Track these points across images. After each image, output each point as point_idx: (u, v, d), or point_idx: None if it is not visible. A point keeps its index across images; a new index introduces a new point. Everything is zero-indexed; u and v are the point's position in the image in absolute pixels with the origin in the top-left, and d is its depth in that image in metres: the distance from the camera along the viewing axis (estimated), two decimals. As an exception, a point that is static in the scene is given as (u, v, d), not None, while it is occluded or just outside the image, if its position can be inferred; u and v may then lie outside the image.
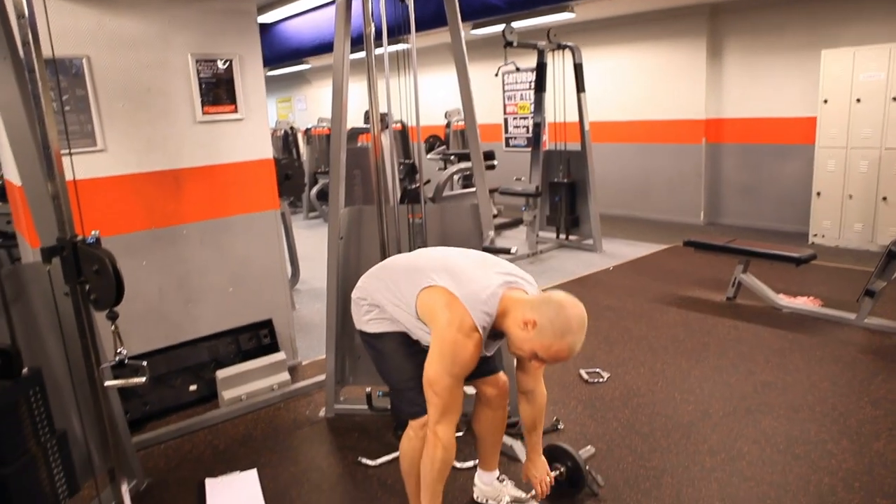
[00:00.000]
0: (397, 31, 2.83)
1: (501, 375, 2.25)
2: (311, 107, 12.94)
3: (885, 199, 5.74)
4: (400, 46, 3.15)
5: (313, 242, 7.29)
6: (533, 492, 2.31)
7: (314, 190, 8.78)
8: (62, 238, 1.93)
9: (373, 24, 2.74)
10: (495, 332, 1.92)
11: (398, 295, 2.01)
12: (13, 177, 2.89)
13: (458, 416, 1.91)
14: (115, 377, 2.23)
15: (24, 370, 2.05)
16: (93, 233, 2.03)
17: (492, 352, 2.07)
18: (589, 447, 2.56)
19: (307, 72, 12.21)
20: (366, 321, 2.11)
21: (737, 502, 2.39)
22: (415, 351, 2.01)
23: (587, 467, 2.42)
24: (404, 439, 2.10)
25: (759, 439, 2.82)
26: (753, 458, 2.68)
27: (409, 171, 6.60)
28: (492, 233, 2.86)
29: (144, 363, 2.02)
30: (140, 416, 3.17)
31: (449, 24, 2.76)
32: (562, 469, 2.43)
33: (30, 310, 2.24)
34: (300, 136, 10.07)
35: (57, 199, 1.93)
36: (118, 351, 2.04)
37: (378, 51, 2.86)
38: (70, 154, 2.38)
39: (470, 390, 2.80)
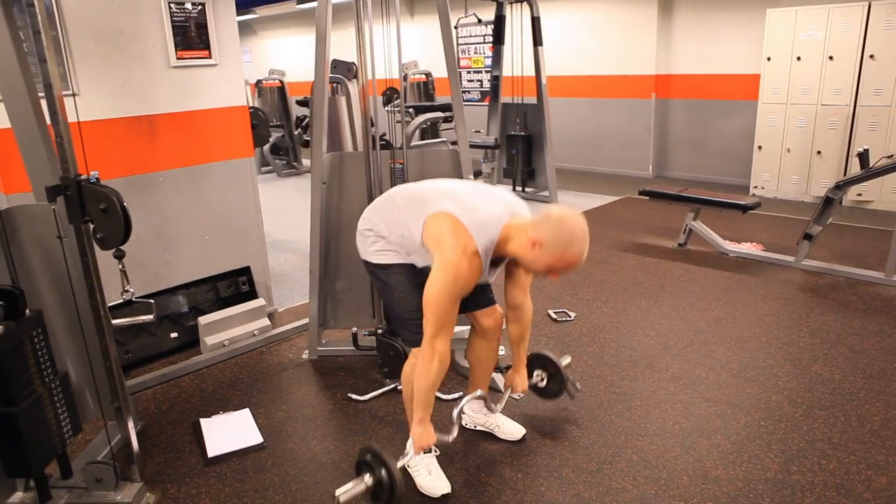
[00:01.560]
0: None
1: (497, 307, 2.40)
2: (256, 58, 12.54)
3: (819, 152, 6.15)
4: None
5: (269, 197, 7.23)
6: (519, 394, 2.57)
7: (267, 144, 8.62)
8: (66, 177, 1.93)
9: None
10: (496, 259, 2.05)
11: (403, 224, 2.09)
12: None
13: (452, 330, 2.03)
14: (115, 317, 2.27)
15: (27, 312, 2.07)
16: (92, 173, 2.04)
17: (492, 277, 2.18)
18: (566, 356, 2.73)
19: (253, 21, 11.80)
20: (372, 252, 2.19)
21: (699, 419, 2.65)
22: (420, 282, 2.10)
23: (566, 373, 2.62)
24: (407, 366, 2.23)
25: (715, 366, 3.10)
26: (711, 382, 2.95)
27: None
28: (471, 176, 2.98)
29: (153, 301, 2.07)
30: (123, 364, 3.18)
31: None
32: (543, 375, 2.63)
33: (22, 253, 2.23)
34: (248, 89, 9.80)
35: (60, 139, 1.92)
36: (125, 289, 2.09)
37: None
38: (74, 97, 2.34)
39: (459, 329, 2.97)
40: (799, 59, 6.11)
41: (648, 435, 2.55)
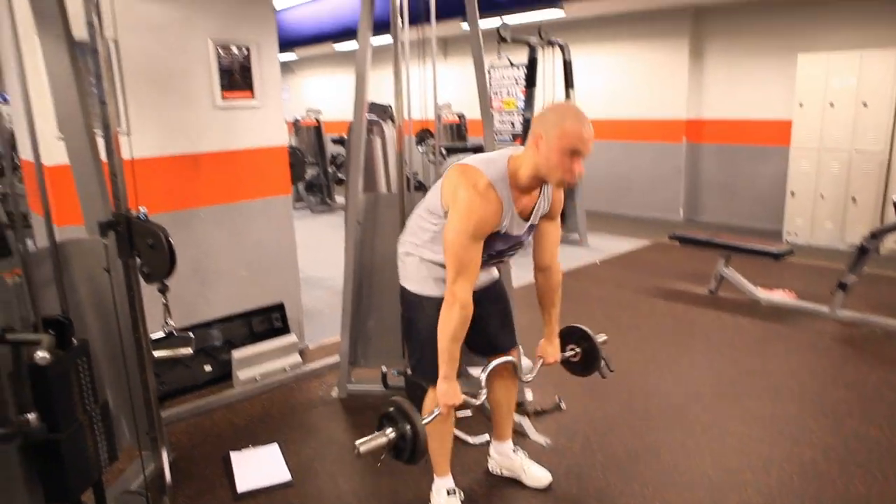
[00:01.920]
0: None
1: (513, 350, 2.41)
2: (294, 97, 12.92)
3: (854, 199, 6.08)
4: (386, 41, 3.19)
5: (302, 233, 7.36)
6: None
7: (301, 180, 8.83)
8: (118, 214, 2.03)
9: (399, 16, 2.82)
10: (524, 217, 2.05)
11: (429, 211, 2.10)
12: (31, 156, 2.94)
13: (474, 277, 1.98)
14: (155, 349, 2.34)
15: (74, 341, 2.15)
16: (141, 209, 2.14)
17: (526, 236, 2.14)
18: (602, 334, 2.56)
19: (293, 62, 12.21)
20: (410, 279, 2.19)
21: (729, 472, 2.61)
22: None
23: (601, 351, 2.48)
24: (425, 404, 2.24)
25: (746, 417, 3.05)
26: (742, 434, 2.90)
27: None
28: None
29: (192, 336, 2.14)
30: (158, 395, 3.25)
31: (468, 20, 2.93)
32: (577, 350, 2.50)
33: (73, 284, 2.33)
34: (286, 127, 10.09)
35: (115, 176, 2.03)
36: (167, 322, 2.16)
37: (378, 42, 2.95)
38: (130, 135, 2.46)
39: (474, 371, 2.98)
40: (832, 105, 6.10)
41: (676, 487, 2.52)
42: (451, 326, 1.97)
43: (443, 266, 2.08)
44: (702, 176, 7.76)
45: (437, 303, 2.10)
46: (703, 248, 4.94)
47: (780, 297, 4.70)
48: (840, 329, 4.16)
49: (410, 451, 1.90)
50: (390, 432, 1.92)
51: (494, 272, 2.39)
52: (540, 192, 2.10)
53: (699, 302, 4.77)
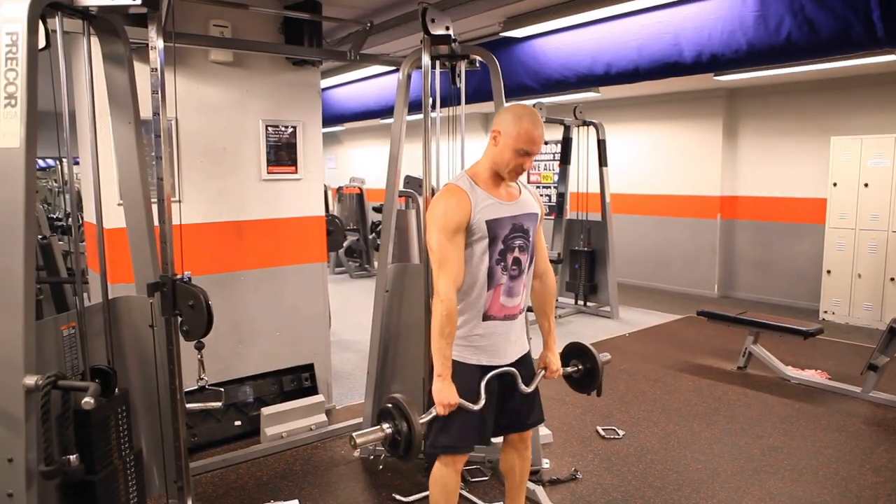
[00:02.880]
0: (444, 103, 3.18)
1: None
2: (340, 165, 13.52)
3: (892, 279, 5.99)
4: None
5: (339, 297, 7.61)
6: None
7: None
8: (165, 276, 2.26)
9: (430, 97, 3.07)
10: (511, 200, 2.18)
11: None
12: (93, 219, 3.24)
13: (453, 274, 2.05)
14: (188, 402, 2.52)
15: (116, 390, 2.35)
16: (185, 273, 2.37)
17: (529, 223, 2.21)
18: (606, 353, 2.57)
19: (340, 133, 12.85)
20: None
21: (743, 552, 2.58)
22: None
23: (602, 371, 2.48)
24: (435, 467, 2.32)
25: (765, 497, 3.01)
26: (760, 514, 2.88)
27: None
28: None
29: (222, 390, 2.31)
30: (189, 446, 3.42)
31: (495, 101, 3.17)
32: (579, 367, 2.52)
33: (119, 337, 2.55)
34: (330, 194, 10.54)
35: (164, 243, 2.27)
36: (201, 377, 2.35)
37: (412, 118, 3.21)
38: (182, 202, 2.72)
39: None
40: (866, 185, 6.12)
41: (688, 563, 2.51)
42: (436, 321, 2.05)
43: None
44: (736, 252, 7.75)
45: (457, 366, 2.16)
46: (731, 324, 4.94)
47: (811, 376, 4.64)
48: (872, 411, 4.08)
49: (406, 446, 1.99)
50: (387, 427, 2.01)
51: (525, 341, 2.38)
52: (517, 184, 2.26)
53: (726, 378, 4.74)
